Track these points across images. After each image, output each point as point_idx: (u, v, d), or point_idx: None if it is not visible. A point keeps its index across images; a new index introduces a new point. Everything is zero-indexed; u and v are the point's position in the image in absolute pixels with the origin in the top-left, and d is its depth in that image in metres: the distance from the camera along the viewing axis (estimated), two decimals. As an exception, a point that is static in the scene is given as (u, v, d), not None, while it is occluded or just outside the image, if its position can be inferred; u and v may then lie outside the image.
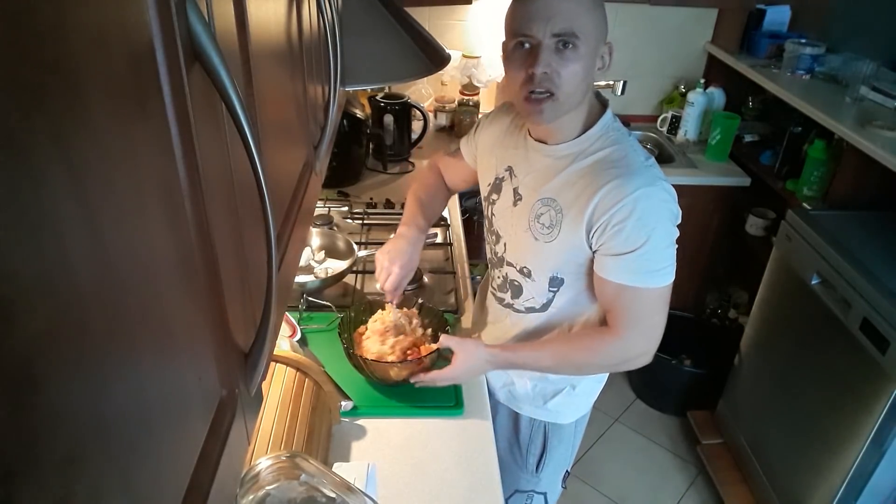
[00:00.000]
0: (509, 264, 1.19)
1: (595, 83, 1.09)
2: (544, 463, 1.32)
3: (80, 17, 0.25)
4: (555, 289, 1.14)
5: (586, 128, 1.06)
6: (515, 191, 1.15)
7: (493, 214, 1.22)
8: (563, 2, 0.96)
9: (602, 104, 1.09)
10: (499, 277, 1.24)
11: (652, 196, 0.99)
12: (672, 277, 1.04)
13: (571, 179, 1.06)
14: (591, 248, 1.05)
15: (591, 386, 1.30)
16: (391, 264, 1.27)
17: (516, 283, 1.19)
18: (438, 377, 1.21)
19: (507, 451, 1.36)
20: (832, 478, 1.77)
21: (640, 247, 1.00)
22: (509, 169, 1.17)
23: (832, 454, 1.78)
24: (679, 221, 1.04)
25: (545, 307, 1.17)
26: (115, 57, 0.29)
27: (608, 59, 1.03)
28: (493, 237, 1.23)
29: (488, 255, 1.27)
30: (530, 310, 1.19)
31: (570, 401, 1.28)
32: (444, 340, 1.21)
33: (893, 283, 1.61)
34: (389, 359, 1.25)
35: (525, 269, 1.16)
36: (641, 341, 1.09)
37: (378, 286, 1.30)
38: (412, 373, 1.23)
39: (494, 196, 1.21)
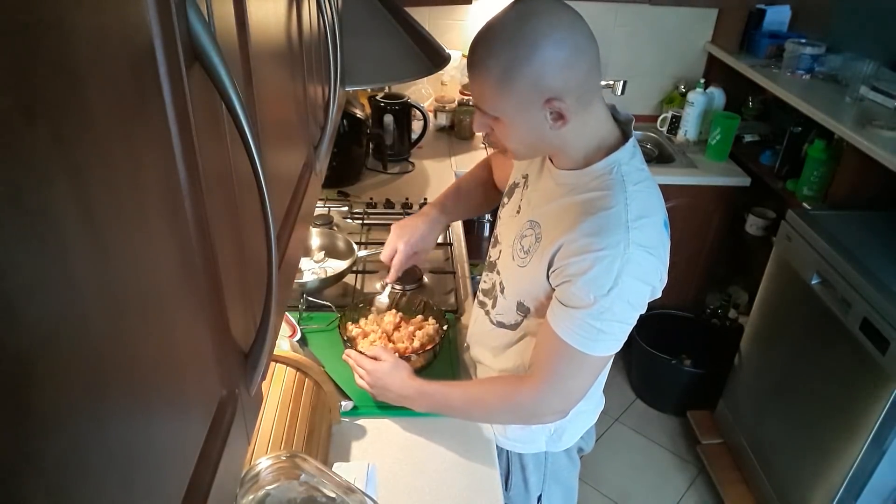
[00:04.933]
0: (498, 273, 1.16)
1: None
2: (511, 484, 1.28)
3: (80, 17, 0.25)
4: (522, 314, 1.10)
5: (591, 160, 0.97)
6: (520, 202, 1.12)
7: (499, 217, 1.20)
8: (474, 81, 0.93)
9: (624, 136, 0.99)
10: (487, 283, 1.21)
11: (614, 261, 0.90)
12: (613, 351, 0.98)
13: (559, 211, 1.00)
14: (550, 286, 1.00)
15: (547, 425, 1.19)
16: (398, 239, 1.28)
17: (496, 294, 1.16)
18: (357, 368, 1.19)
19: None
20: (832, 478, 1.77)
21: (585, 307, 0.93)
22: (525, 177, 1.13)
23: (832, 454, 1.78)
24: (653, 296, 0.97)
25: (514, 327, 1.13)
26: (115, 57, 0.29)
27: (565, 113, 0.90)
28: (494, 240, 1.21)
29: (487, 259, 1.25)
30: (500, 324, 1.16)
31: (526, 433, 1.22)
32: (379, 351, 1.20)
33: (893, 283, 1.61)
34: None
35: (502, 284, 1.13)
36: (556, 399, 1.03)
37: (382, 256, 1.30)
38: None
39: (506, 199, 1.19)
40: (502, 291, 1.13)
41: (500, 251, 1.16)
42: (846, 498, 1.75)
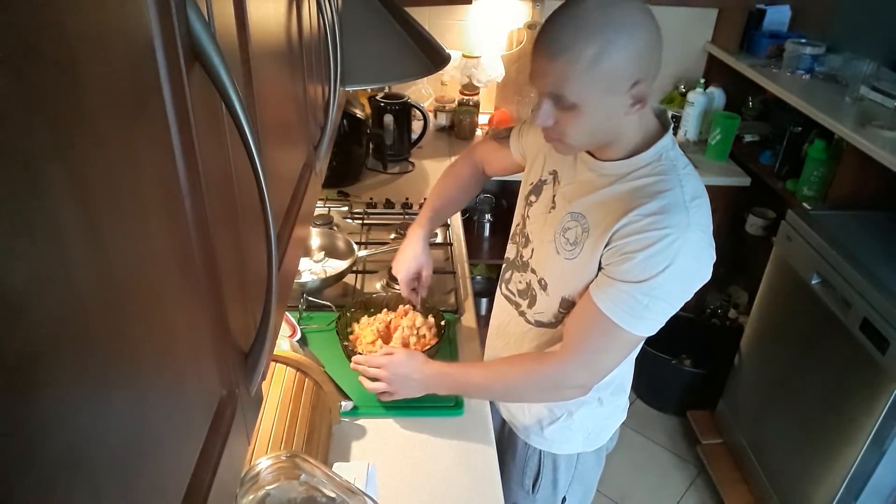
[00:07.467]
0: (533, 271, 1.15)
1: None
2: (540, 486, 1.28)
3: (80, 17, 0.25)
4: (564, 310, 1.09)
5: (638, 150, 0.99)
6: (553, 198, 1.11)
7: (528, 216, 1.19)
8: (554, 64, 0.90)
9: (663, 125, 1.02)
10: (521, 283, 1.19)
11: (675, 241, 0.92)
12: (650, 332, 0.99)
13: (607, 200, 1.00)
14: (600, 267, 1.00)
15: (587, 423, 1.21)
16: (398, 275, 1.35)
17: (534, 293, 1.15)
18: (369, 369, 1.20)
19: (505, 465, 1.31)
20: (832, 478, 1.77)
21: (637, 282, 0.94)
22: (553, 173, 1.12)
23: (832, 454, 1.78)
24: (702, 280, 0.99)
25: (554, 325, 1.12)
26: (115, 57, 0.29)
27: (643, 91, 0.91)
28: (524, 240, 1.19)
29: (512, 257, 1.23)
30: (539, 323, 1.15)
31: (565, 434, 1.22)
32: (386, 349, 1.22)
33: (893, 283, 1.61)
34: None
35: (543, 281, 1.12)
36: (582, 372, 1.04)
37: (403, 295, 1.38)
38: None
39: (533, 198, 1.18)
40: (544, 288, 1.12)
41: (534, 249, 1.15)
42: (846, 498, 1.75)
